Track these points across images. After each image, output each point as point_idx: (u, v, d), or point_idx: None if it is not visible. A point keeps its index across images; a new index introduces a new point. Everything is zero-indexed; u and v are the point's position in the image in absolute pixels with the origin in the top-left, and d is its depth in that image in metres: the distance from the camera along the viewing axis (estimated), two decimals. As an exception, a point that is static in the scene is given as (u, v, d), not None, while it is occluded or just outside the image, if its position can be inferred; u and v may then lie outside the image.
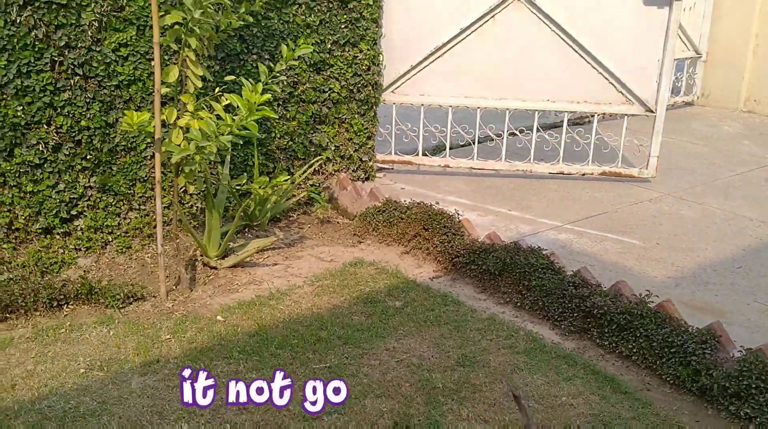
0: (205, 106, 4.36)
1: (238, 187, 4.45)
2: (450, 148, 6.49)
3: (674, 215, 5.50)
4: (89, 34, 4.56)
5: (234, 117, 4.00)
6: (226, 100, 4.06)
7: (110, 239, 4.91)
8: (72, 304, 4.20)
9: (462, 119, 6.49)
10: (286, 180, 4.47)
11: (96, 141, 4.70)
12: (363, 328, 3.92)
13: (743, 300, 4.20)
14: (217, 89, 4.47)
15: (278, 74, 4.38)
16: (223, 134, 4.00)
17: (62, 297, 4.16)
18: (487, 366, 3.56)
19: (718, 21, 8.92)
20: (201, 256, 4.76)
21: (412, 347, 3.73)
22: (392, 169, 6.55)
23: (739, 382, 3.21)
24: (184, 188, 4.65)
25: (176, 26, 4.12)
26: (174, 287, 4.50)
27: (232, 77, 4.38)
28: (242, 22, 4.51)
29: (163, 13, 4.10)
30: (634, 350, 3.60)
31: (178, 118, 4.21)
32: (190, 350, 3.72)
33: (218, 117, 4.16)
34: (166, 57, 4.71)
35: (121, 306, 4.22)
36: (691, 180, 6.34)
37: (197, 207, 5.15)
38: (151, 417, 3.17)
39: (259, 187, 4.35)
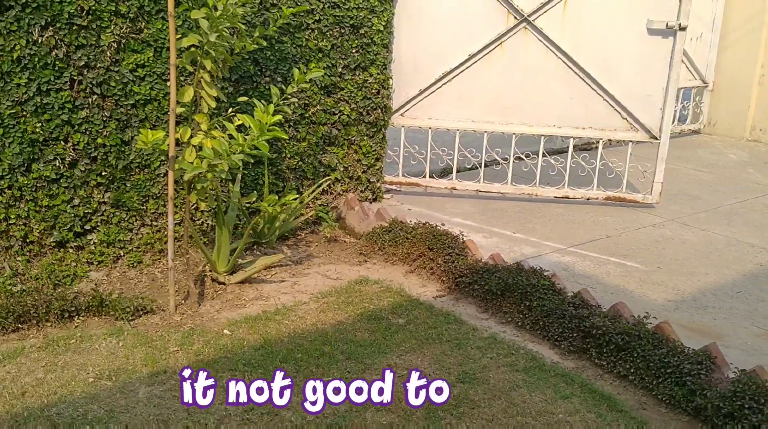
0: (218, 126, 4.49)
1: (248, 205, 4.56)
2: (457, 171, 6.61)
3: (677, 240, 5.58)
4: (108, 54, 4.71)
5: (246, 137, 4.12)
6: (239, 120, 4.18)
7: (122, 254, 5.02)
8: (83, 316, 4.30)
9: (469, 143, 6.61)
10: (295, 199, 4.58)
11: (111, 158, 4.83)
12: (366, 344, 4.01)
13: (741, 324, 4.27)
14: (230, 110, 4.60)
15: (289, 96, 4.51)
16: (234, 153, 4.12)
17: (73, 309, 4.27)
18: (486, 383, 3.64)
19: (724, 51, 9.04)
20: (210, 271, 4.87)
21: (414, 363, 3.82)
22: (400, 190, 6.67)
23: (733, 402, 3.27)
24: (195, 205, 4.77)
25: (192, 48, 4.26)
26: (183, 301, 4.60)
27: (245, 98, 4.50)
28: (256, 46, 4.65)
29: (180, 36, 4.24)
30: (632, 370, 3.67)
31: (191, 136, 4.35)
32: (197, 362, 3.81)
33: (230, 137, 4.30)
34: (181, 78, 4.85)
35: (130, 318, 4.32)
36: (695, 206, 6.42)
37: (208, 224, 5.27)
38: (157, 425, 3.25)
39: (269, 206, 4.46)
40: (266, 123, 4.02)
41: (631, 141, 6.24)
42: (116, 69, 4.75)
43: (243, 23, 4.97)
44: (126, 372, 3.71)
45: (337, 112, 5.83)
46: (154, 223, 5.10)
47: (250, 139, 4.03)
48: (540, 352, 4.00)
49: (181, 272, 4.93)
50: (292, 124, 5.61)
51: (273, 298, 4.67)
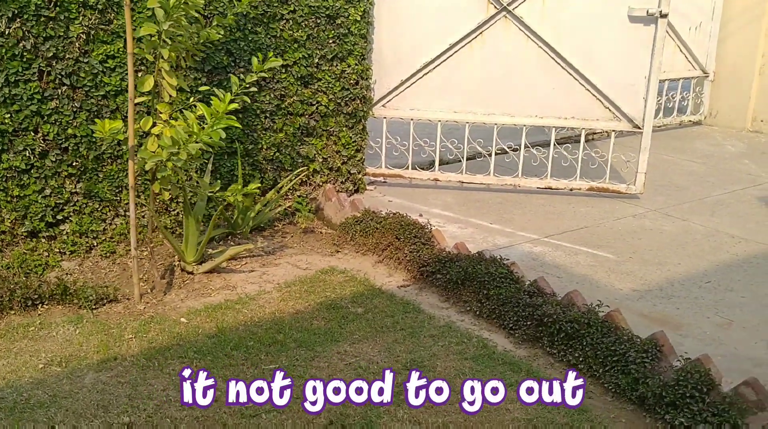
0: (180, 115, 4.51)
1: (210, 194, 4.59)
2: (442, 163, 6.58)
3: (655, 231, 5.50)
4: (77, 45, 4.75)
5: (204, 125, 4.14)
6: (200, 110, 4.20)
7: (95, 244, 5.07)
8: (47, 304, 4.34)
9: (452, 134, 6.56)
10: (257, 188, 4.58)
11: (82, 148, 4.87)
12: (320, 332, 4.01)
13: (704, 313, 4.20)
14: (192, 98, 4.62)
15: (248, 86, 4.51)
16: (192, 142, 4.14)
17: (37, 297, 4.31)
18: (433, 370, 3.62)
19: (724, 40, 8.88)
20: (179, 261, 4.90)
21: (364, 351, 3.81)
22: (385, 182, 6.65)
23: (675, 391, 3.23)
24: (160, 195, 4.79)
25: (152, 38, 4.29)
26: (149, 291, 4.64)
27: (206, 88, 4.52)
28: (220, 36, 4.66)
29: (136, 25, 4.27)
30: (581, 359, 3.63)
31: (154, 125, 4.37)
32: (149, 349, 3.84)
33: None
34: (144, 68, 4.87)
35: (93, 307, 4.36)
36: (681, 197, 6.33)
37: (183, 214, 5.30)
38: (95, 411, 3.28)
39: (231, 195, 4.47)
40: (221, 111, 4.03)
41: (613, 131, 6.16)
42: (86, 60, 4.79)
43: (214, 13, 4.99)
44: (77, 358, 3.74)
45: (314, 102, 5.83)
46: (128, 214, 5.12)
47: (208, 127, 4.04)
48: (494, 340, 3.97)
49: (152, 261, 4.97)
50: (268, 114, 5.62)
51: (239, 287, 4.69)
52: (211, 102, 4.24)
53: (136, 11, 4.69)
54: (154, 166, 4.35)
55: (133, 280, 4.54)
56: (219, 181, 5.44)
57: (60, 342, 3.92)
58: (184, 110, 4.31)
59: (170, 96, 4.39)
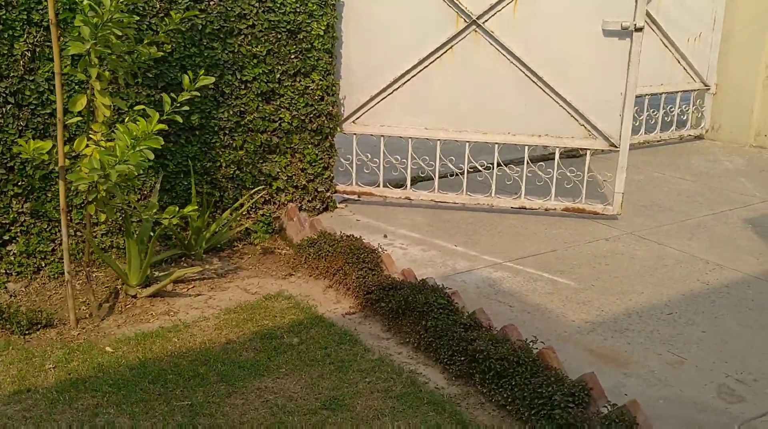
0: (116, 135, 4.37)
1: (145, 217, 4.44)
2: (416, 181, 6.39)
3: (626, 256, 5.25)
4: (21, 63, 4.64)
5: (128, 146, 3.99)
6: (121, 130, 4.05)
7: (43, 265, 4.95)
8: (-22, 329, 4.23)
9: (424, 151, 6.34)
10: (195, 210, 4.42)
11: (29, 168, 4.76)
12: (247, 365, 3.83)
13: (656, 349, 3.94)
14: (127, 118, 4.49)
15: (179, 105, 4.36)
16: (120, 163, 3.99)
17: (-35, 321, 4.20)
18: (352, 410, 3.42)
19: (727, 52, 8.55)
20: (122, 284, 4.76)
21: (285, 387, 3.62)
22: (359, 199, 6.46)
23: (598, 440, 2.99)
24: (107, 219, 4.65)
25: (86, 57, 4.15)
26: (88, 315, 4.50)
27: (141, 107, 4.38)
28: (162, 53, 4.53)
29: (63, 44, 4.15)
30: (509, 399, 3.40)
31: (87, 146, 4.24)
32: (65, 381, 3.69)
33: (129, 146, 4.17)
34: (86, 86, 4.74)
35: (26, 332, 4.23)
36: (663, 218, 6.05)
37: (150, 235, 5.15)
38: (-13, 449, 3.14)
39: (168, 217, 4.32)
40: (148, 132, 3.88)
41: (588, 149, 5.91)
42: (31, 78, 4.68)
43: (158, 31, 4.85)
44: (-11, 390, 3.61)
45: (277, 119, 5.67)
46: (79, 234, 5.01)
47: (129, 150, 3.89)
48: (427, 376, 3.75)
49: (100, 284, 4.85)
50: (227, 131, 5.48)
51: (181, 312, 4.53)
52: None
53: (68, 31, 4.54)
54: (87, 188, 4.21)
55: (85, 303, 4.42)
56: (175, 200, 5.33)
57: (-22, 371, 3.79)
58: (114, 131, 4.16)
59: (104, 116, 4.26)
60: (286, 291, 4.79)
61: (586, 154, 5.97)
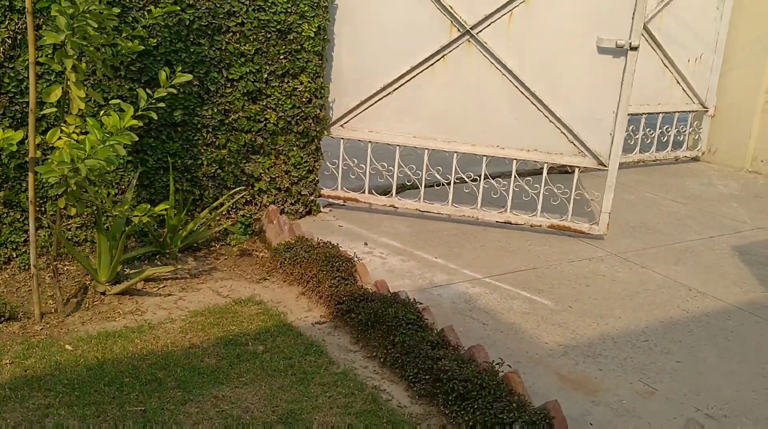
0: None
1: (117, 213, 4.35)
2: (402, 189, 6.30)
3: (607, 277, 5.15)
4: (1, 50, 4.55)
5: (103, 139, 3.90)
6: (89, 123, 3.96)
7: (14, 255, 4.86)
8: (-59, 320, 4.14)
9: (411, 159, 6.24)
10: (165, 210, 4.33)
11: (3, 157, 4.67)
12: (207, 371, 3.73)
13: (628, 378, 3.84)
14: (101, 112, 4.40)
15: (154, 101, 4.27)
16: (89, 158, 3.90)
17: (-74, 312, 4.11)
18: (308, 426, 3.32)
19: (726, 74, 8.46)
20: (91, 280, 4.67)
21: (243, 398, 3.52)
22: (344, 205, 6.36)
23: (557, 472, 2.90)
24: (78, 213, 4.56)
25: (60, 48, 4.07)
26: (54, 310, 4.41)
27: (117, 101, 4.29)
28: (143, 47, 4.44)
29: (40, 34, 4.06)
30: (471, 423, 3.30)
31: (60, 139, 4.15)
32: (19, 378, 3.59)
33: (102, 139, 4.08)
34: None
35: (-12, 325, 4.14)
36: (650, 241, 5.95)
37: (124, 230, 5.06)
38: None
39: (137, 215, 4.23)
40: (118, 127, 3.79)
41: (578, 167, 5.81)
42: (11, 66, 4.59)
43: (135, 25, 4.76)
44: (-61, 384, 3.52)
45: (262, 119, 5.58)
46: (52, 225, 4.92)
47: (99, 145, 3.80)
48: (391, 393, 3.65)
49: (70, 279, 4.76)
50: (210, 129, 5.39)
51: (149, 312, 4.44)
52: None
53: (50, 20, 4.45)
54: (57, 181, 4.12)
55: (51, 297, 4.33)
56: (154, 196, 5.24)
57: (-69, 364, 3.70)
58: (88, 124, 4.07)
59: (79, 108, 4.17)
60: (258, 296, 4.69)
61: (575, 171, 5.85)
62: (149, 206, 4.28)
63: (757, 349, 4.23)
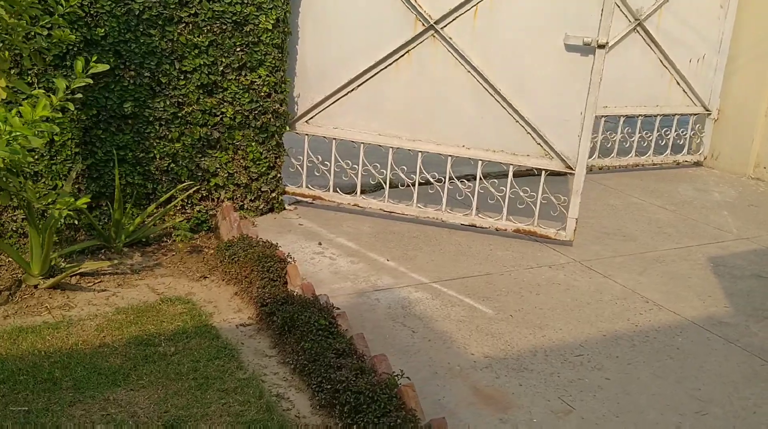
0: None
1: (39, 206, 4.26)
2: (378, 189, 6.13)
3: (562, 286, 4.91)
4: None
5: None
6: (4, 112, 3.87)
7: (-47, 246, 4.82)
8: None
9: (375, 158, 6.05)
10: (86, 204, 4.23)
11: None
12: (108, 372, 3.62)
13: (548, 395, 3.63)
14: (20, 99, 4.30)
15: (71, 92, 4.17)
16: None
17: None
18: (191, 434, 3.19)
19: (730, 76, 8.09)
20: (23, 273, 4.60)
21: (135, 401, 3.40)
22: (311, 203, 6.21)
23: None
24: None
25: (-16, 35, 3.99)
26: (-21, 302, 4.35)
27: (40, 91, 4.19)
28: (74, 38, 4.34)
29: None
30: (361, 439, 3.14)
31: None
32: None
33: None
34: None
35: None
36: (621, 249, 5.69)
37: (61, 223, 4.97)
38: None
39: (57, 208, 4.13)
40: (28, 121, 3.69)
41: (544, 170, 5.56)
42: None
43: (100, 12, 4.66)
44: None
45: (218, 113, 5.46)
46: (-6, 217, 4.87)
47: (5, 135, 3.71)
48: (294, 402, 3.50)
49: (10, 271, 4.71)
50: (163, 122, 5.28)
51: (77, 308, 4.35)
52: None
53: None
54: (-22, 172, 4.05)
55: (-42, 290, 4.27)
56: (103, 189, 5.16)
57: None
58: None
59: (1, 98, 4.08)
60: (193, 294, 4.57)
61: (542, 174, 5.61)
62: (72, 199, 4.17)
63: (698, 369, 3.97)
